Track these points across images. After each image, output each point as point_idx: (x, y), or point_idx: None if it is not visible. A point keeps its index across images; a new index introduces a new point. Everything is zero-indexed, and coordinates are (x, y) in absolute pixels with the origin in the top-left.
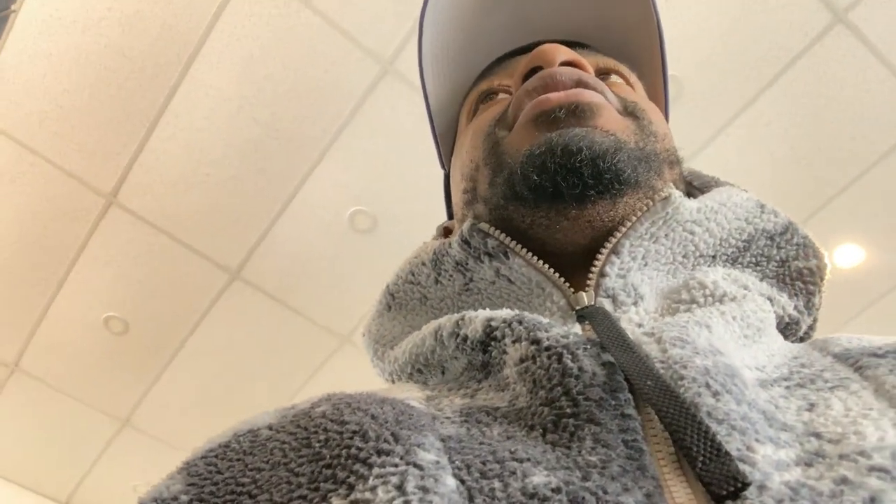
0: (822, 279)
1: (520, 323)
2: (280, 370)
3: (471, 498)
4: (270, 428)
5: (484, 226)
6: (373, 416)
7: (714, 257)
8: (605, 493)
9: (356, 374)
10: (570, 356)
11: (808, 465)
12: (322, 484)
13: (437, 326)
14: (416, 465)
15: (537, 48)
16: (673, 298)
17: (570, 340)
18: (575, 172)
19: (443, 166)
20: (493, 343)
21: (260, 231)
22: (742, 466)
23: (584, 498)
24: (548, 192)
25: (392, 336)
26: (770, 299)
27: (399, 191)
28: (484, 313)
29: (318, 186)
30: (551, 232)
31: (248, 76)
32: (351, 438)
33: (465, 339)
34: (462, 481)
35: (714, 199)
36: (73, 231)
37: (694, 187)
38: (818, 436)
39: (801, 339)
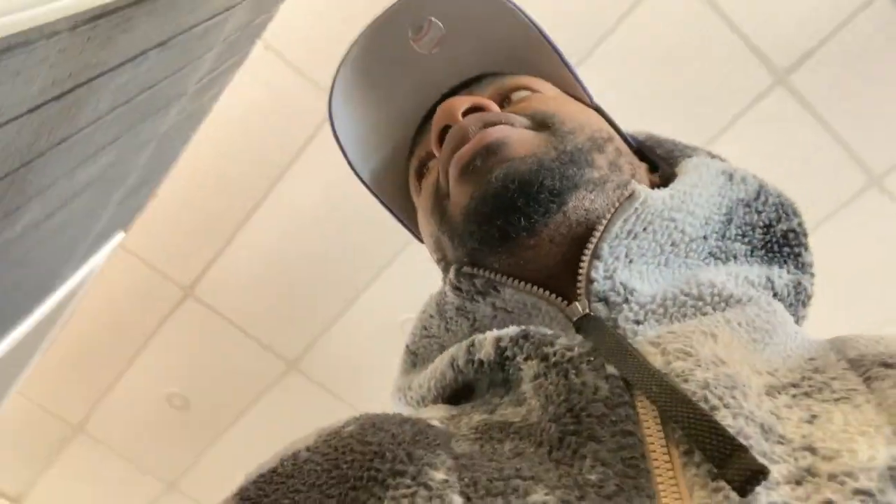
0: (805, 235)
1: (525, 339)
2: None
3: None
4: (308, 449)
5: (467, 269)
6: (392, 436)
7: (705, 238)
8: None
9: None
10: (574, 371)
11: (798, 483)
12: None
13: (451, 357)
14: (425, 486)
15: (438, 109)
16: (682, 290)
17: (575, 354)
18: (512, 209)
19: (420, 240)
20: (507, 362)
21: (321, 328)
22: None
23: None
24: (495, 237)
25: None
26: (769, 279)
27: None
28: (492, 334)
29: (376, 296)
30: (521, 265)
31: (328, 198)
32: (371, 460)
33: (481, 362)
34: (468, 498)
35: (685, 182)
36: (149, 317)
37: (658, 156)
38: (813, 451)
39: (808, 298)
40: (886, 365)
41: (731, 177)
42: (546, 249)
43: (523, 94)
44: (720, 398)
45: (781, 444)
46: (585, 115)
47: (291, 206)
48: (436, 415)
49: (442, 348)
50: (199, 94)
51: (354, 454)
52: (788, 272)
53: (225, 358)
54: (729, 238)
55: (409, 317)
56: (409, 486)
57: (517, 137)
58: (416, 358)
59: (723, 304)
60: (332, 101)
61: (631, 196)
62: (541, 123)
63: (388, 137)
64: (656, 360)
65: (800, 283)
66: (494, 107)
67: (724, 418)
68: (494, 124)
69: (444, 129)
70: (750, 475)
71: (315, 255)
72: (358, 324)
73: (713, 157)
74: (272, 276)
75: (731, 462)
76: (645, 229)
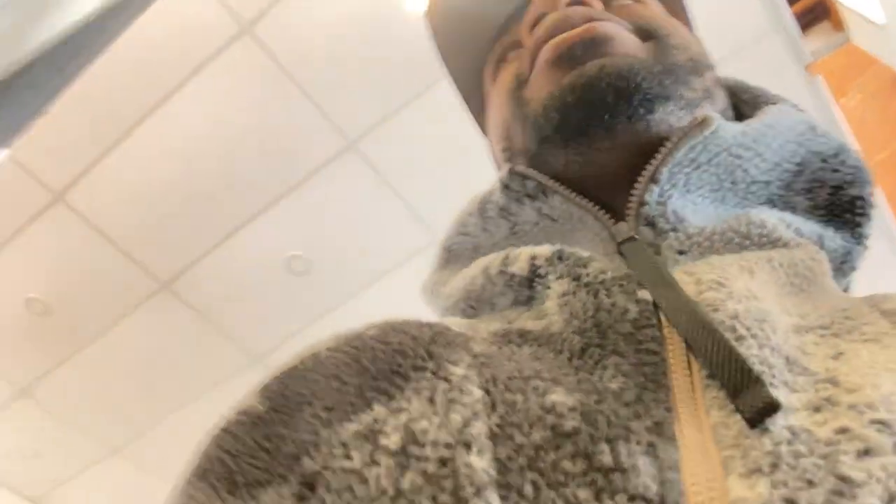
0: (872, 207)
1: (560, 259)
2: (183, 377)
3: (493, 407)
4: (328, 349)
5: (521, 168)
6: (413, 337)
7: (768, 183)
8: (617, 416)
9: None
10: (605, 292)
11: (816, 410)
12: (367, 393)
13: (486, 265)
14: (445, 380)
15: None
16: (731, 225)
17: (608, 276)
18: (600, 101)
19: (484, 134)
20: (537, 279)
21: (201, 252)
22: None
23: (596, 419)
24: (572, 127)
25: (445, 281)
26: (821, 237)
27: (335, 243)
28: (527, 250)
29: (262, 229)
30: (587, 166)
31: (223, 121)
32: (392, 356)
33: (513, 276)
34: (487, 392)
35: (763, 121)
36: (14, 218)
37: (743, 101)
38: (836, 383)
39: (852, 269)
40: None
41: (814, 129)
42: (616, 156)
43: (627, 1)
44: (748, 328)
45: (805, 375)
46: (691, 37)
47: (183, 124)
48: (454, 321)
49: (475, 248)
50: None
51: (376, 352)
52: (842, 238)
53: (93, 270)
54: (793, 190)
55: (294, 253)
56: (429, 380)
57: (623, 37)
58: (449, 255)
59: (769, 246)
60: None
61: (703, 122)
62: (647, 32)
63: (476, 16)
64: (689, 289)
65: (849, 254)
66: (599, 4)
67: (750, 347)
68: (600, 20)
69: (540, 19)
70: (762, 407)
71: (203, 179)
72: (240, 253)
73: (799, 110)
74: (155, 194)
75: (746, 393)
76: (710, 161)
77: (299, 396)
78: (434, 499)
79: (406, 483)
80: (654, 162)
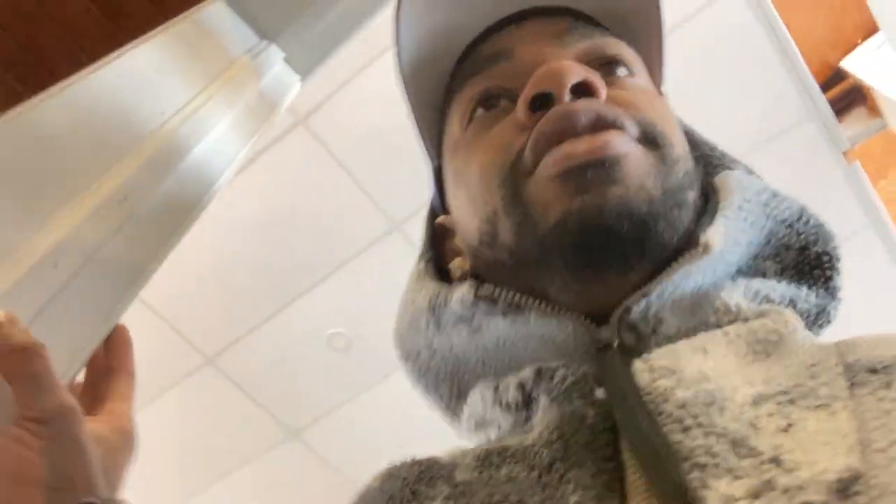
0: (838, 260)
1: (539, 376)
2: (222, 450)
3: None
4: None
5: (487, 290)
6: (403, 479)
7: (738, 260)
8: None
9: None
10: (567, 401)
11: (756, 496)
12: None
13: (480, 396)
14: None
15: (545, 67)
16: (698, 317)
17: (569, 382)
18: (618, 244)
19: (430, 158)
20: (532, 402)
21: (245, 329)
22: None
23: None
24: (582, 260)
25: (446, 401)
26: (793, 300)
27: (376, 321)
28: (513, 380)
29: (305, 308)
30: (583, 296)
31: (275, 206)
32: (386, 503)
33: (508, 404)
34: None
35: (733, 206)
36: None
37: (694, 158)
38: (778, 463)
39: (828, 322)
40: (872, 370)
41: (774, 195)
42: (620, 290)
43: (622, 71)
44: (695, 417)
45: (750, 457)
46: (679, 131)
47: (236, 208)
48: (451, 451)
49: (430, 348)
50: None
51: (376, 501)
52: (817, 296)
53: (140, 343)
54: (761, 256)
55: (336, 331)
56: None
57: (632, 157)
58: (402, 350)
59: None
60: None
61: (704, 250)
62: (650, 140)
63: (447, 27)
64: (643, 378)
65: (825, 310)
66: (604, 93)
67: (696, 438)
68: (608, 126)
69: (542, 98)
70: None
71: (255, 259)
72: (284, 332)
73: (750, 172)
74: (202, 274)
75: None
76: (697, 271)
77: None
78: None
79: None
80: (652, 284)
